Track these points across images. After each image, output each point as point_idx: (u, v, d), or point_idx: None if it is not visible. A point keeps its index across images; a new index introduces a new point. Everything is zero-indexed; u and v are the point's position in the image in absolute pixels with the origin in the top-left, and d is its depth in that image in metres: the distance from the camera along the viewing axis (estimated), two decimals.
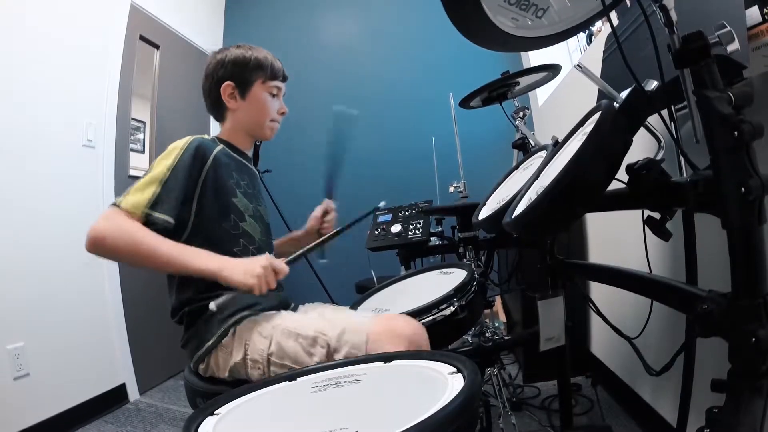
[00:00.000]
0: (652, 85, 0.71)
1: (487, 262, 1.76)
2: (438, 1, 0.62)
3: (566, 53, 2.32)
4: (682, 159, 0.95)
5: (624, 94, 0.72)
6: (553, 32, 0.74)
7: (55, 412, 1.82)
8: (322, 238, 1.10)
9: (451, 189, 1.88)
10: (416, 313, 0.91)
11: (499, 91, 1.52)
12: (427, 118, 2.87)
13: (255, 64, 1.06)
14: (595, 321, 2.02)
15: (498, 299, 2.48)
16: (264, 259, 0.86)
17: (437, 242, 1.89)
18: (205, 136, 1.02)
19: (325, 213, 1.22)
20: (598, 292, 1.70)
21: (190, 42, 3.00)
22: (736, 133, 0.53)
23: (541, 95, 2.64)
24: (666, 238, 0.68)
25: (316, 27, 3.45)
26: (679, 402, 1.09)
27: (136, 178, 2.45)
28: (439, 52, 3.12)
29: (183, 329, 0.98)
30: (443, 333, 0.94)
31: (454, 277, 1.07)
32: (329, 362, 0.76)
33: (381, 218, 2.00)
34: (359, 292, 2.11)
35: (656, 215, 0.69)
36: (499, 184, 1.26)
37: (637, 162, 0.69)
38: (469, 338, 1.52)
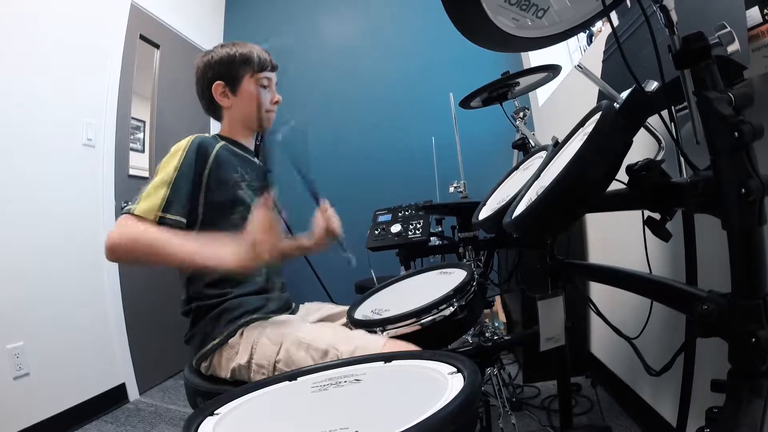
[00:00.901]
0: (653, 85, 0.71)
1: (487, 262, 1.76)
2: (438, 1, 0.62)
3: (566, 53, 2.32)
4: (682, 160, 0.95)
5: (624, 94, 0.72)
6: (553, 32, 0.74)
7: (55, 411, 1.82)
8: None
9: (451, 189, 1.88)
10: (416, 314, 0.90)
11: (500, 91, 1.52)
12: (427, 118, 2.87)
13: (241, 59, 1.07)
14: (595, 321, 2.02)
15: (498, 299, 2.48)
16: (249, 235, 0.85)
17: (437, 242, 1.89)
18: (207, 135, 1.03)
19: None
20: (598, 292, 1.70)
21: (190, 42, 3.00)
22: (736, 133, 0.53)
23: (542, 95, 2.64)
24: (666, 239, 0.68)
25: (316, 27, 3.45)
26: (679, 402, 1.09)
27: (136, 177, 2.48)
28: (439, 52, 3.11)
29: (189, 324, 0.98)
30: (443, 333, 0.94)
31: (454, 277, 1.07)
32: (329, 362, 0.76)
33: (381, 218, 2.00)
34: (359, 292, 2.11)
35: (656, 216, 0.69)
36: (499, 185, 1.26)
37: (638, 162, 0.69)
38: (469, 338, 1.52)
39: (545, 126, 2.66)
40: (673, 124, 0.97)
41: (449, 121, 1.92)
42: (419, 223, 1.82)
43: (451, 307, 0.91)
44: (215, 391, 0.88)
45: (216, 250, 0.85)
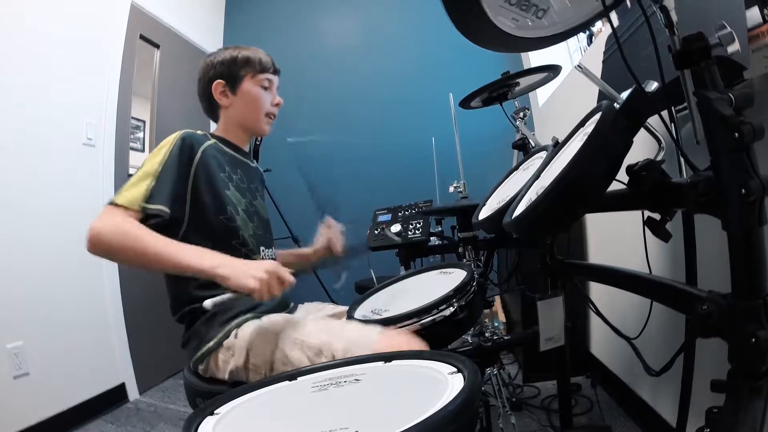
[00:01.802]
0: (653, 86, 0.71)
1: (487, 262, 1.77)
2: (438, 1, 0.62)
3: (566, 54, 2.32)
4: (682, 160, 0.95)
5: (624, 94, 0.72)
6: (553, 33, 0.74)
7: (55, 411, 1.82)
8: (334, 256, 1.13)
9: (451, 189, 1.87)
10: (416, 314, 0.91)
11: (500, 91, 1.52)
12: (427, 118, 2.87)
13: (243, 60, 1.08)
14: (594, 321, 2.02)
15: (498, 299, 2.48)
16: (270, 264, 0.83)
17: (437, 242, 1.89)
18: (198, 131, 1.02)
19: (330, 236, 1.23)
20: (598, 292, 1.70)
21: (190, 42, 3.00)
22: (736, 134, 0.53)
23: (542, 96, 2.64)
24: (666, 239, 0.68)
25: (316, 27, 3.45)
26: (679, 402, 1.09)
27: None
28: (439, 52, 3.12)
29: (183, 328, 0.98)
30: (443, 333, 0.94)
31: (454, 277, 1.07)
32: (329, 362, 0.76)
33: (381, 218, 2.00)
34: (359, 292, 2.11)
35: (656, 216, 0.69)
36: (499, 185, 1.26)
37: (638, 163, 0.69)
38: (469, 338, 1.52)
39: (545, 126, 2.66)
40: (673, 124, 0.97)
41: (449, 121, 1.92)
42: (419, 223, 1.82)
43: (451, 307, 0.91)
44: (215, 391, 0.88)
45: (214, 258, 0.83)
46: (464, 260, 1.52)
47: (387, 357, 0.69)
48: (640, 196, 0.71)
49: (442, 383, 0.55)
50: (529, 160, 1.18)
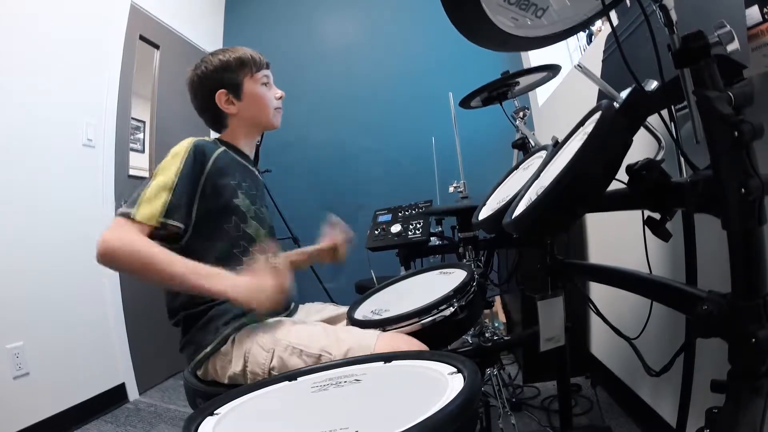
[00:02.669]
0: (652, 85, 0.71)
1: (487, 262, 1.77)
2: (438, 1, 0.62)
3: (566, 53, 2.33)
4: (682, 159, 0.95)
5: (624, 94, 0.72)
6: (552, 32, 0.74)
7: (55, 411, 1.82)
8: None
9: (451, 189, 1.87)
10: (416, 314, 0.90)
11: (499, 91, 1.52)
12: (427, 118, 2.87)
13: (237, 63, 1.06)
14: (594, 321, 2.02)
15: (498, 299, 2.48)
16: (271, 279, 0.84)
17: (437, 242, 1.89)
18: (207, 138, 1.02)
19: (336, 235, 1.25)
20: (598, 292, 1.70)
21: (190, 42, 3.00)
22: (736, 133, 0.53)
23: (541, 95, 2.64)
24: (666, 239, 0.68)
25: (316, 27, 3.45)
26: (679, 402, 1.09)
27: (136, 177, 2.48)
28: (439, 52, 3.12)
29: (180, 333, 0.97)
30: (443, 333, 0.94)
31: (454, 277, 1.07)
32: (329, 362, 0.76)
33: (381, 218, 2.00)
34: (359, 292, 2.11)
35: (656, 215, 0.69)
36: (499, 184, 1.26)
37: (637, 162, 0.69)
38: (469, 338, 1.52)
39: (545, 125, 2.66)
40: (672, 123, 0.97)
41: (449, 120, 1.92)
42: (419, 223, 1.82)
43: (451, 308, 0.91)
44: (215, 392, 0.87)
45: (224, 281, 0.83)
46: (464, 260, 1.52)
47: (387, 357, 0.69)
48: (640, 195, 0.71)
49: (442, 383, 0.55)
50: (528, 160, 1.18)
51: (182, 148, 0.94)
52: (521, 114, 1.54)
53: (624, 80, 0.71)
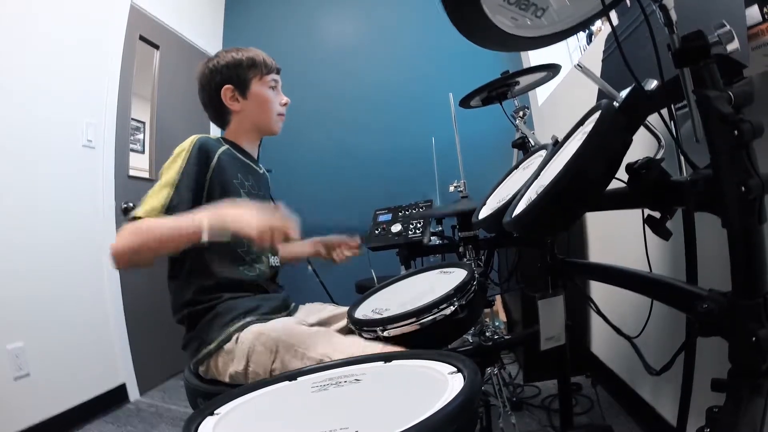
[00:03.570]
0: (652, 84, 0.71)
1: (487, 261, 1.76)
2: (438, 1, 0.62)
3: (566, 53, 2.32)
4: (682, 158, 0.95)
5: (624, 93, 0.72)
6: (552, 32, 0.74)
7: (55, 412, 1.82)
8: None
9: (451, 189, 1.87)
10: (416, 313, 0.90)
11: (499, 90, 1.52)
12: (427, 118, 2.87)
13: (248, 62, 1.07)
14: (595, 320, 2.02)
15: (498, 299, 2.48)
16: (276, 218, 0.81)
17: (437, 242, 1.89)
18: (210, 136, 1.02)
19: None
20: (598, 291, 1.70)
21: (190, 42, 3.00)
22: (736, 132, 0.53)
23: (541, 95, 2.64)
24: (666, 238, 0.68)
25: (316, 27, 3.45)
26: (679, 402, 1.09)
27: (136, 178, 2.48)
28: (439, 52, 3.11)
29: (184, 330, 0.98)
30: (443, 333, 0.94)
31: (454, 276, 1.07)
32: (329, 362, 0.76)
33: (381, 218, 2.00)
34: (359, 292, 2.11)
35: (656, 214, 0.69)
36: (499, 184, 1.26)
37: (637, 161, 0.69)
38: (469, 338, 1.52)
39: (545, 125, 2.66)
40: (672, 122, 0.97)
41: (449, 120, 1.92)
42: (419, 223, 1.82)
43: (451, 307, 0.91)
44: (216, 392, 0.88)
45: (235, 213, 0.80)
46: (464, 260, 1.52)
47: (387, 357, 0.69)
48: (640, 194, 0.71)
49: (442, 383, 0.55)
50: (528, 159, 1.18)
51: (185, 147, 0.96)
52: (521, 113, 1.54)
53: (624, 80, 0.70)
